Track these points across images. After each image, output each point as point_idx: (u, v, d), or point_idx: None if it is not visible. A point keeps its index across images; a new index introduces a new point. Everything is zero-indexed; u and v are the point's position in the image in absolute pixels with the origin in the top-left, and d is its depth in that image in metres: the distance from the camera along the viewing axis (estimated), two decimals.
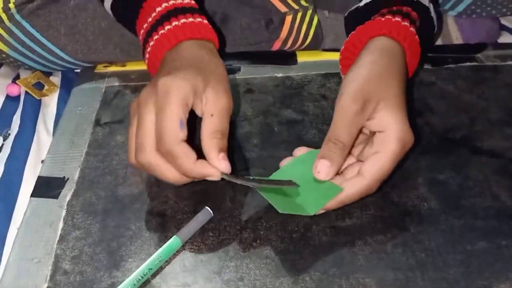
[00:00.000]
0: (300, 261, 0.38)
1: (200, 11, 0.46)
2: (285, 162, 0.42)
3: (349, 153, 0.40)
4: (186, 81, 0.39)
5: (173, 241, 0.38)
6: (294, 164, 0.42)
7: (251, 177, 0.42)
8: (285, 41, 0.61)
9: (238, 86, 0.56)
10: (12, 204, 0.47)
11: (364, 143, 0.42)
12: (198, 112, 0.41)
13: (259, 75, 0.58)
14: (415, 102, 0.53)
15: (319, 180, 0.39)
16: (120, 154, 0.47)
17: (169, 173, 0.39)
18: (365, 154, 0.40)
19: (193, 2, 0.46)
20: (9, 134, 0.55)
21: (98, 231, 0.40)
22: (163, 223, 0.41)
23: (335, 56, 0.60)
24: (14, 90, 0.60)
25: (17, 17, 0.55)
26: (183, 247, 0.39)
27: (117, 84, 0.57)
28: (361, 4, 0.48)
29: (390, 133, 0.38)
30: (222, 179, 0.39)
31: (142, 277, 0.36)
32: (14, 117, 0.58)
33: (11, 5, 0.54)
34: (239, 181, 0.40)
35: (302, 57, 0.60)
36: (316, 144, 0.48)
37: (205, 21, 0.45)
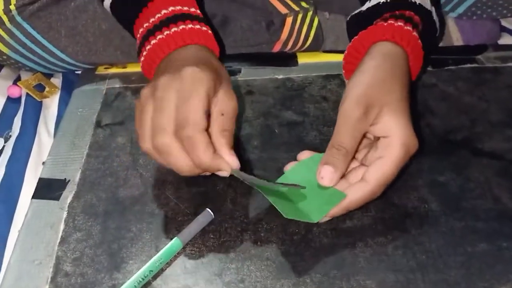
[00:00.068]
0: (301, 263, 0.38)
1: (204, 21, 0.46)
2: (289, 167, 0.42)
3: (353, 157, 0.40)
4: (211, 75, 0.40)
5: (174, 243, 0.38)
6: (298, 168, 0.42)
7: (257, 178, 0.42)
8: (285, 43, 0.61)
9: (239, 88, 0.56)
10: (13, 206, 0.47)
11: (368, 147, 0.41)
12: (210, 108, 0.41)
13: (259, 76, 0.58)
14: (416, 104, 0.53)
15: (323, 186, 0.39)
16: (121, 156, 0.47)
17: (183, 161, 0.39)
18: (369, 158, 0.40)
19: (199, 11, 0.47)
20: (10, 136, 0.55)
21: (99, 233, 0.40)
22: (164, 225, 0.41)
23: (335, 58, 0.60)
24: (15, 92, 0.60)
25: (18, 18, 0.55)
26: (184, 249, 0.39)
27: (118, 85, 0.57)
28: (363, 8, 0.48)
29: (394, 139, 0.38)
30: (230, 175, 0.40)
31: (143, 279, 0.36)
32: (15, 119, 0.58)
33: (12, 7, 0.54)
34: (246, 180, 0.40)
35: (303, 59, 0.60)
36: (316, 145, 0.48)
37: (210, 31, 0.45)
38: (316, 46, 0.62)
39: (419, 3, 0.46)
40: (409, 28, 0.43)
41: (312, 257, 0.38)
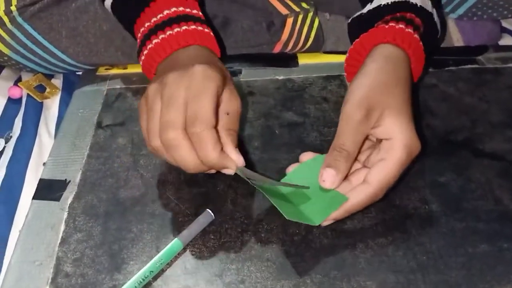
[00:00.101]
0: (301, 263, 0.38)
1: (206, 23, 0.46)
2: (291, 169, 0.42)
3: (356, 159, 0.40)
4: (220, 74, 0.40)
5: (175, 244, 0.38)
6: (300, 170, 0.42)
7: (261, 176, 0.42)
8: (286, 44, 0.61)
9: (240, 89, 0.56)
10: (14, 207, 0.47)
11: (371, 149, 0.41)
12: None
13: (260, 77, 0.58)
14: (416, 105, 0.53)
15: (325, 189, 0.39)
16: (122, 157, 0.47)
17: (190, 157, 0.38)
18: (371, 160, 0.40)
19: (200, 13, 0.47)
20: (11, 137, 0.55)
21: (99, 233, 0.40)
22: (164, 226, 0.41)
23: (336, 59, 0.60)
24: (16, 93, 0.60)
25: (19, 19, 0.55)
26: (184, 250, 0.39)
27: (118, 86, 0.57)
28: (364, 11, 0.48)
29: (396, 141, 0.38)
30: (234, 174, 0.40)
31: (143, 280, 0.36)
32: (16, 119, 0.58)
33: (13, 8, 0.54)
34: (251, 178, 0.40)
35: (303, 60, 0.60)
36: (317, 146, 0.48)
37: (211, 34, 0.46)
38: (317, 47, 0.62)
39: (420, 5, 0.46)
40: (410, 30, 0.43)
41: (313, 258, 0.38)
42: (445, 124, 0.50)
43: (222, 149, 0.39)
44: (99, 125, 0.51)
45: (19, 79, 0.63)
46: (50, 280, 0.37)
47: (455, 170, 0.45)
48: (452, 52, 0.61)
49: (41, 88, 0.61)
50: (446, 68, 0.58)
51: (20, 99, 0.60)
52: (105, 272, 0.38)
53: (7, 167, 0.51)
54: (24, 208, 0.46)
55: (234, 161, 0.40)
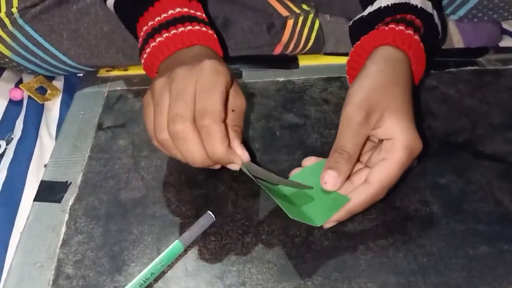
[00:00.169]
0: (302, 265, 0.38)
1: (210, 24, 0.47)
2: (293, 173, 0.42)
3: (358, 160, 0.40)
4: (229, 70, 0.40)
5: (175, 246, 0.38)
6: (302, 174, 0.42)
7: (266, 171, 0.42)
8: (286, 45, 0.61)
9: None
10: (15, 209, 0.47)
11: (372, 150, 0.41)
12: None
13: (260, 79, 0.58)
14: (417, 106, 0.52)
15: (327, 191, 0.39)
16: (123, 158, 0.47)
17: (198, 150, 0.38)
18: (372, 160, 0.40)
19: (204, 15, 0.47)
20: (12, 139, 0.55)
21: (100, 235, 0.40)
22: (165, 228, 0.41)
23: (336, 60, 0.60)
24: (17, 95, 0.61)
25: (20, 21, 0.55)
26: (185, 252, 0.39)
27: (119, 88, 0.57)
28: (365, 13, 0.49)
29: (397, 141, 0.38)
30: (240, 170, 0.40)
31: (144, 282, 0.36)
32: (17, 121, 0.58)
33: (14, 10, 0.55)
34: (255, 173, 0.40)
35: (304, 61, 0.60)
36: (318, 148, 0.48)
37: (215, 35, 0.46)
38: (317, 49, 0.62)
39: (421, 7, 0.46)
40: (410, 31, 0.43)
41: (313, 260, 0.38)
42: (446, 125, 0.50)
43: (229, 144, 0.39)
44: (100, 126, 0.51)
45: (20, 81, 0.63)
46: (51, 282, 0.37)
47: (456, 171, 0.45)
48: (452, 54, 0.61)
49: (42, 90, 0.61)
50: (447, 70, 0.58)
51: (21, 101, 0.61)
52: (106, 274, 0.38)
53: (8, 169, 0.51)
54: (25, 210, 0.46)
55: (239, 156, 0.40)
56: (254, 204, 0.43)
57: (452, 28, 0.64)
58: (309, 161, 0.42)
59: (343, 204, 0.38)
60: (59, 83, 0.63)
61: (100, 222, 0.42)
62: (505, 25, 0.69)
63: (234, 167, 0.40)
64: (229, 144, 0.39)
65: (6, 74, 0.65)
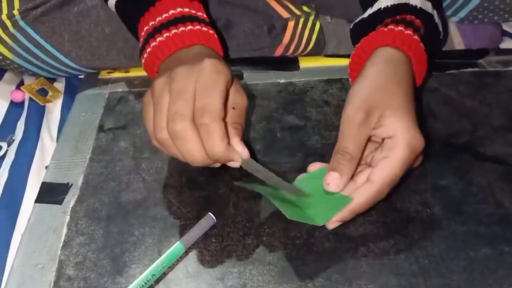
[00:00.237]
0: (303, 267, 0.38)
1: (211, 24, 0.47)
2: (300, 178, 0.42)
3: (360, 161, 0.40)
4: (229, 69, 0.40)
5: (176, 247, 0.38)
6: (307, 179, 0.42)
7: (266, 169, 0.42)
8: (287, 47, 0.61)
9: None
10: (16, 210, 0.47)
11: (375, 151, 0.41)
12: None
13: (261, 81, 0.58)
14: (418, 108, 0.53)
15: (330, 193, 0.39)
16: (124, 160, 0.47)
17: (197, 149, 0.38)
18: (375, 159, 0.40)
19: (205, 15, 0.47)
20: (13, 140, 0.55)
21: (101, 237, 0.40)
22: (166, 229, 0.41)
23: (337, 62, 0.60)
24: (18, 96, 0.61)
25: (21, 23, 0.55)
26: (186, 253, 0.39)
27: (120, 90, 0.57)
28: (365, 15, 0.49)
29: (398, 139, 0.38)
30: (240, 167, 0.40)
31: (145, 283, 0.36)
32: (18, 123, 0.58)
33: (16, 12, 0.55)
34: (255, 170, 0.40)
35: (305, 63, 0.60)
36: (318, 149, 0.48)
37: (215, 35, 0.46)
38: (318, 51, 0.62)
39: (420, 7, 0.46)
40: (409, 32, 0.44)
41: (314, 262, 0.38)
42: (446, 127, 0.50)
43: (228, 142, 0.39)
44: (101, 128, 0.52)
45: (21, 83, 0.63)
46: (52, 284, 0.37)
47: (457, 173, 0.45)
48: (453, 56, 0.61)
49: (43, 92, 0.61)
50: (447, 72, 0.58)
51: (23, 102, 0.61)
52: (107, 276, 0.38)
53: (9, 170, 0.51)
54: (26, 212, 0.46)
55: (239, 154, 0.40)
56: (255, 205, 0.43)
57: (453, 29, 0.64)
58: (315, 167, 0.42)
59: (345, 204, 0.38)
60: (60, 85, 0.63)
61: (101, 223, 0.42)
62: (505, 27, 0.69)
63: (234, 164, 0.40)
64: (229, 142, 0.39)
65: (7, 76, 0.65)
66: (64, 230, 0.41)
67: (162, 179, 0.45)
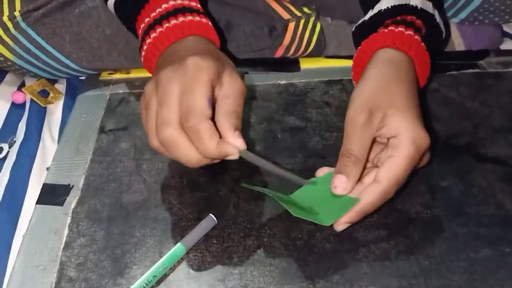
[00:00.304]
0: (304, 268, 0.38)
1: (205, 13, 0.46)
2: (308, 182, 0.42)
3: (366, 162, 0.40)
4: (213, 63, 0.40)
5: (177, 248, 0.38)
6: (315, 184, 0.41)
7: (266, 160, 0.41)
8: (288, 48, 0.61)
9: None
10: (17, 212, 0.47)
11: (382, 152, 0.41)
12: (214, 95, 0.41)
13: (262, 82, 0.58)
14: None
15: (338, 196, 0.39)
16: (125, 161, 0.48)
17: (190, 152, 0.38)
18: (381, 159, 0.40)
19: (199, 5, 0.47)
20: (15, 142, 0.55)
21: (102, 238, 0.41)
22: (167, 230, 0.41)
23: (338, 63, 0.60)
24: (19, 98, 0.61)
25: (23, 25, 0.55)
26: (187, 255, 0.39)
27: (121, 91, 0.57)
28: (366, 17, 0.49)
29: (403, 137, 0.38)
30: (241, 158, 0.40)
31: (146, 284, 0.36)
32: (20, 124, 0.58)
33: (17, 13, 0.55)
34: (256, 160, 0.40)
35: (305, 64, 0.61)
36: (319, 150, 0.48)
37: (210, 23, 0.46)
38: (319, 52, 0.62)
39: (421, 7, 0.46)
40: (410, 32, 0.44)
41: (315, 263, 0.38)
42: (447, 128, 0.50)
43: (220, 137, 0.39)
44: (102, 129, 0.52)
45: (22, 84, 0.63)
46: (53, 285, 0.37)
47: (457, 174, 0.45)
48: (453, 57, 0.61)
49: (44, 93, 0.61)
50: (448, 73, 0.58)
51: (24, 104, 0.61)
52: (108, 277, 0.38)
53: (10, 172, 0.51)
54: (27, 213, 0.46)
55: (234, 147, 0.39)
56: (256, 207, 0.43)
57: (454, 31, 0.64)
58: (323, 171, 0.42)
59: (353, 205, 0.38)
60: (61, 86, 0.63)
61: (102, 225, 0.42)
62: (506, 28, 0.69)
63: (233, 157, 0.40)
64: (221, 138, 0.39)
65: (8, 77, 0.65)
66: (65, 232, 0.41)
67: (163, 180, 0.45)
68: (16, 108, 0.60)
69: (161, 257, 0.38)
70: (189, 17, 0.44)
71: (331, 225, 0.39)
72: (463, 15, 0.62)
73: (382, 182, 0.38)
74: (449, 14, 0.63)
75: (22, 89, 0.61)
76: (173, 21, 0.44)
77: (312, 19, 0.60)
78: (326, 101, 0.55)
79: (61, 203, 0.44)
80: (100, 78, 0.60)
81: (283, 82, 0.58)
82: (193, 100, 0.38)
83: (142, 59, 0.46)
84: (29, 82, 0.63)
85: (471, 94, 0.55)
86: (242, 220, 0.42)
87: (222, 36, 0.48)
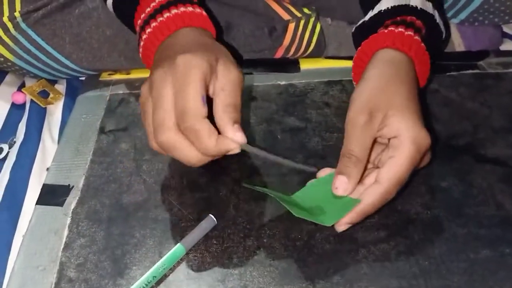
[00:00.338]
0: (304, 269, 0.38)
1: (198, 3, 0.46)
2: (308, 184, 0.42)
3: (368, 163, 0.40)
4: (204, 59, 0.39)
5: (177, 249, 0.38)
6: (317, 184, 0.41)
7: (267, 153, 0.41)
8: (288, 49, 0.61)
9: (242, 94, 0.56)
10: (17, 212, 0.47)
11: (383, 153, 0.41)
12: (210, 90, 0.40)
13: (262, 82, 0.58)
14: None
15: (339, 196, 0.39)
16: (125, 162, 0.48)
17: (190, 153, 0.38)
18: (382, 160, 0.40)
19: None
20: (15, 142, 0.55)
21: (102, 238, 0.41)
22: (167, 231, 0.41)
23: (338, 64, 0.60)
24: (19, 98, 0.61)
25: (23, 25, 0.55)
26: (187, 255, 0.39)
27: (121, 92, 0.57)
28: (366, 18, 0.49)
29: (403, 137, 0.38)
30: (243, 151, 0.39)
31: (146, 285, 0.36)
32: (20, 125, 0.58)
33: (17, 14, 0.55)
34: (257, 152, 0.40)
35: (305, 65, 0.61)
36: (319, 151, 0.48)
37: (204, 13, 0.45)
38: (318, 52, 0.62)
39: (421, 8, 0.46)
40: (410, 33, 0.44)
41: (315, 263, 0.38)
42: (447, 129, 0.50)
43: (219, 133, 0.39)
44: (102, 130, 0.52)
45: (22, 85, 0.63)
46: (53, 285, 0.37)
47: (457, 175, 0.45)
48: (453, 57, 0.61)
49: (44, 94, 0.61)
50: (448, 73, 0.58)
51: (24, 104, 0.61)
52: (108, 277, 0.38)
53: (10, 172, 0.51)
54: (27, 214, 0.46)
55: (234, 141, 0.39)
56: (255, 207, 0.43)
57: (453, 31, 0.64)
58: (325, 172, 0.42)
59: (354, 206, 0.38)
60: (61, 87, 0.63)
61: (102, 225, 0.42)
62: (506, 29, 0.69)
63: (234, 152, 0.39)
64: (220, 133, 0.39)
65: (8, 77, 0.65)
66: (65, 232, 0.41)
67: (163, 181, 0.45)
68: (16, 109, 0.60)
69: (161, 257, 0.38)
70: (182, 8, 0.44)
71: (332, 226, 0.39)
72: (463, 15, 0.62)
73: (383, 183, 0.38)
74: (449, 14, 0.63)
75: (22, 90, 0.61)
76: (166, 14, 0.44)
77: (312, 19, 0.60)
78: (326, 102, 0.55)
79: (61, 204, 0.44)
80: (100, 79, 0.60)
81: (283, 82, 0.58)
82: (187, 101, 0.38)
83: (140, 55, 0.46)
84: (29, 82, 0.63)
85: (471, 94, 0.55)
86: (242, 220, 0.42)
87: (220, 35, 0.48)
